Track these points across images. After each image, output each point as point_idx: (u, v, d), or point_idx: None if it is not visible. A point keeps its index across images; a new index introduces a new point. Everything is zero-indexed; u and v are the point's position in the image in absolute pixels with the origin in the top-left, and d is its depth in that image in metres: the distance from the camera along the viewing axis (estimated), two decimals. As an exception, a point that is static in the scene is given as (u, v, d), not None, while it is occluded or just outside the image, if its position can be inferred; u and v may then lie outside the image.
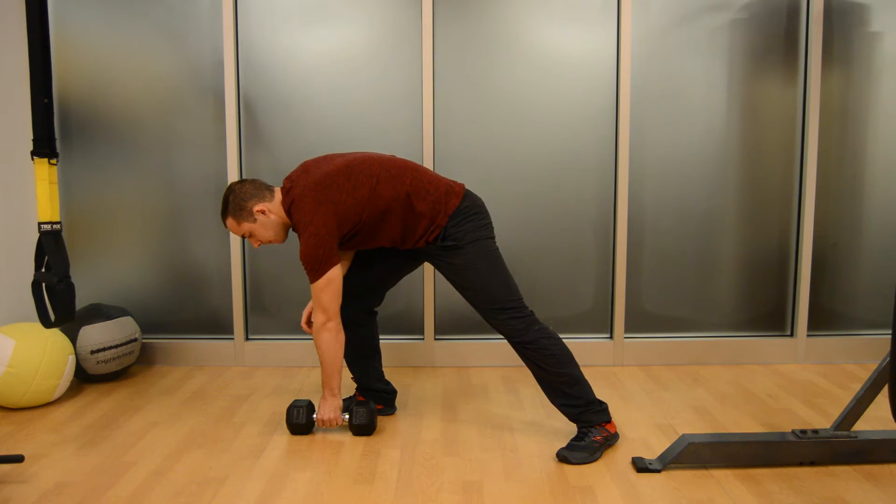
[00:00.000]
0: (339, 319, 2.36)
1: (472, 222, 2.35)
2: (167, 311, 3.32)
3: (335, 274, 2.31)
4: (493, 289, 2.33)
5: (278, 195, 2.42)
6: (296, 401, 2.53)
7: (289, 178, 2.42)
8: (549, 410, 2.72)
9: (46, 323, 2.45)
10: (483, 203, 2.42)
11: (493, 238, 2.40)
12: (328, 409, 2.46)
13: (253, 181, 2.43)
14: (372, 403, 2.51)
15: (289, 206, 2.37)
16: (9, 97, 3.10)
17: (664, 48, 3.18)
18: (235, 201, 2.39)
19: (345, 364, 3.29)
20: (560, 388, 2.34)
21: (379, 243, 2.42)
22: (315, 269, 2.30)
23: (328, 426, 2.49)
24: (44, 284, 2.46)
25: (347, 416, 2.49)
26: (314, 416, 2.50)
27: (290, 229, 2.50)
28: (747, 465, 2.22)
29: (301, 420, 2.48)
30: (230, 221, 2.43)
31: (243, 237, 2.46)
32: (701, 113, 3.21)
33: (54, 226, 2.44)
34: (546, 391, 2.37)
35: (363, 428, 2.47)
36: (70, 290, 2.44)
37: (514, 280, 2.37)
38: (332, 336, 2.36)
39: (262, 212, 2.39)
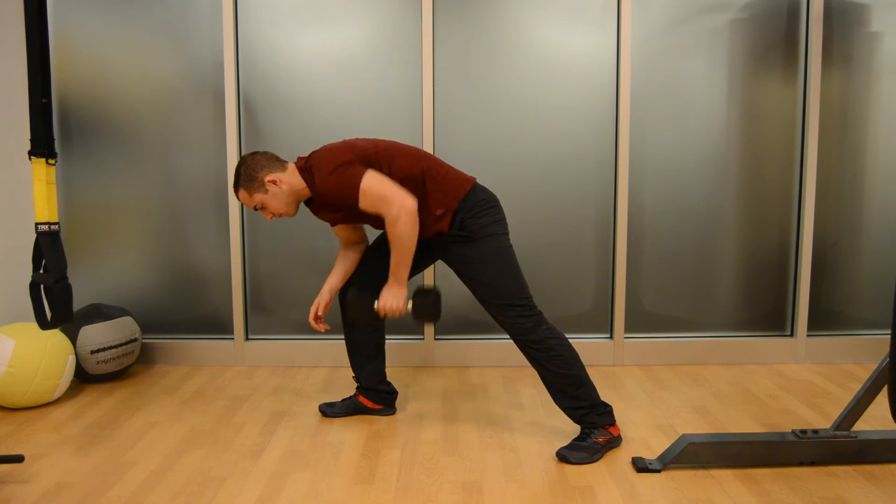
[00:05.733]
0: (411, 200, 2.24)
1: (488, 216, 2.35)
2: (167, 311, 3.32)
3: (375, 173, 2.24)
4: (503, 285, 2.32)
5: (291, 166, 2.41)
6: (356, 290, 2.40)
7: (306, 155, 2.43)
8: (549, 410, 2.72)
9: (43, 324, 2.44)
10: (497, 199, 2.42)
11: (507, 234, 2.39)
12: (393, 298, 2.35)
13: (265, 153, 2.42)
14: (438, 289, 2.37)
15: (308, 167, 2.34)
16: (8, 97, 3.10)
17: (664, 48, 3.18)
18: (247, 172, 2.39)
19: (347, 363, 3.29)
20: (565, 389, 2.33)
21: None
22: (350, 181, 2.23)
23: (391, 315, 2.37)
24: (42, 286, 2.46)
25: (410, 305, 2.37)
26: (376, 304, 2.38)
27: (303, 203, 2.47)
28: (747, 465, 2.22)
29: (364, 311, 2.36)
30: (242, 193, 2.41)
31: (255, 209, 2.45)
32: (701, 113, 3.21)
33: (52, 226, 2.43)
34: (550, 392, 2.37)
35: (428, 315, 2.34)
36: (67, 291, 2.44)
37: (524, 278, 2.37)
38: (411, 220, 2.24)
39: (274, 182, 2.37)
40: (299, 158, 2.42)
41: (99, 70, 3.20)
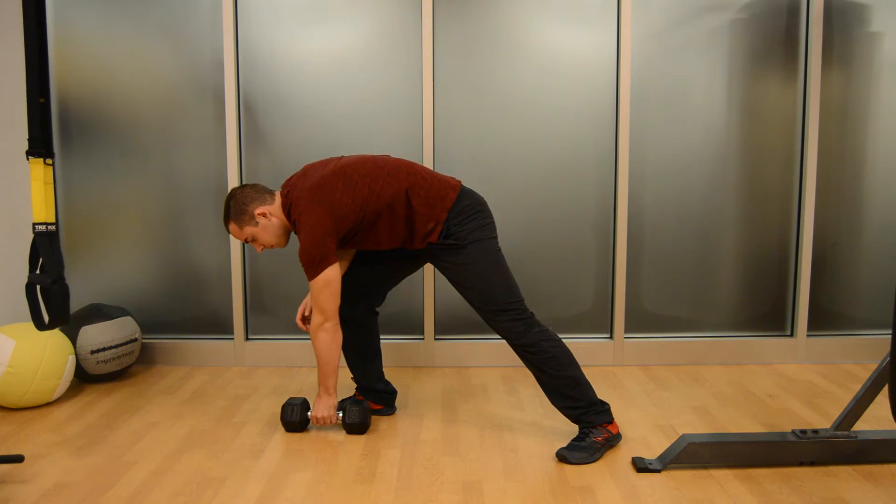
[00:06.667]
0: (336, 320, 2.37)
1: (475, 221, 2.35)
2: (167, 311, 3.32)
3: (333, 274, 2.31)
4: (493, 289, 2.32)
5: (278, 199, 2.43)
6: (290, 398, 2.55)
7: (288, 182, 2.43)
8: (548, 410, 2.72)
9: (40, 325, 2.44)
10: (485, 202, 2.42)
11: (496, 238, 2.40)
12: (322, 408, 2.48)
13: (253, 186, 2.44)
14: (366, 403, 2.52)
15: (288, 207, 2.38)
16: (6, 97, 3.10)
17: (664, 48, 3.18)
18: (237, 206, 2.40)
19: (345, 364, 3.29)
20: (561, 390, 2.33)
21: (383, 244, 2.42)
22: (312, 269, 2.30)
23: (322, 424, 2.50)
24: (38, 286, 2.46)
25: (341, 415, 2.50)
26: (308, 413, 2.52)
27: (292, 233, 2.50)
28: (747, 465, 2.22)
29: (295, 418, 2.51)
30: (232, 226, 2.43)
31: (246, 241, 2.46)
32: (701, 113, 3.21)
33: (49, 227, 2.43)
34: (547, 393, 2.37)
35: (356, 427, 2.48)
36: (64, 291, 2.44)
37: (515, 281, 2.37)
38: (328, 336, 2.37)
39: (264, 215, 2.40)
40: (284, 187, 2.42)
41: (99, 70, 3.20)
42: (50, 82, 2.77)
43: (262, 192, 2.43)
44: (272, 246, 2.47)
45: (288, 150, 3.21)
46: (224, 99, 3.18)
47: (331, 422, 2.50)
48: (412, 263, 2.57)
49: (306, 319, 2.56)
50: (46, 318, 2.51)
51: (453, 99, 3.19)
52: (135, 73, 3.19)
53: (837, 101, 3.22)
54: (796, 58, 3.20)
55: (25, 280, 3.16)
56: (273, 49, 3.17)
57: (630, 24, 3.13)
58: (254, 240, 2.45)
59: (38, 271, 2.46)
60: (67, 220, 3.27)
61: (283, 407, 2.52)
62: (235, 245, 3.23)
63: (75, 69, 3.19)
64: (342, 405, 2.55)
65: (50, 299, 2.44)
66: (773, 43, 3.19)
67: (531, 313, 2.35)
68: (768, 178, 3.26)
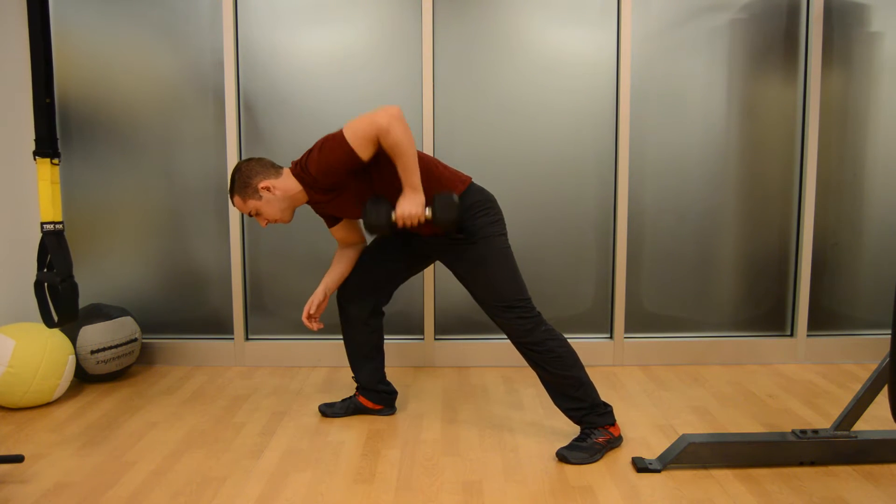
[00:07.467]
0: (393, 106, 2.16)
1: (485, 217, 2.34)
2: (167, 311, 3.32)
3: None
4: (501, 286, 2.32)
5: (286, 172, 2.40)
6: (373, 197, 2.27)
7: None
8: (549, 410, 2.72)
9: (49, 323, 2.46)
10: (495, 199, 2.40)
11: (505, 235, 2.38)
12: (411, 204, 2.22)
13: (259, 160, 2.41)
14: (454, 195, 2.24)
15: (304, 164, 2.30)
16: (11, 97, 3.10)
17: (664, 48, 3.18)
18: (241, 179, 2.38)
19: (346, 363, 3.30)
20: (564, 390, 2.33)
21: None
22: (334, 141, 2.18)
23: (410, 222, 2.24)
24: (46, 284, 2.48)
25: (430, 211, 2.24)
26: (393, 213, 2.25)
27: (296, 210, 2.46)
28: (747, 465, 2.22)
29: (382, 220, 2.23)
30: (237, 199, 2.41)
31: (250, 215, 2.45)
32: (701, 113, 3.21)
33: (57, 226, 2.45)
34: (550, 393, 2.37)
35: (450, 221, 2.21)
36: (73, 289, 2.46)
37: (522, 279, 2.36)
38: (401, 125, 2.15)
39: (268, 188, 2.37)
40: (294, 163, 2.41)
41: (99, 70, 3.20)
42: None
43: (267, 167, 2.40)
44: (276, 220, 2.43)
45: (288, 150, 3.21)
46: (224, 99, 3.18)
47: (419, 220, 2.24)
48: (421, 260, 2.56)
49: (312, 317, 2.55)
50: (55, 317, 2.52)
51: (453, 99, 3.19)
52: (135, 72, 3.19)
53: (837, 101, 3.22)
54: (796, 58, 3.21)
55: (27, 279, 3.17)
56: (273, 49, 3.17)
57: (630, 24, 3.13)
58: (257, 213, 2.42)
59: (45, 270, 2.48)
60: (67, 219, 3.27)
61: (365, 209, 2.24)
62: (235, 245, 3.23)
63: (75, 69, 3.19)
64: (346, 405, 2.48)
65: (59, 297, 2.45)
66: (773, 43, 3.19)
67: (538, 312, 2.34)
68: (768, 178, 3.26)
